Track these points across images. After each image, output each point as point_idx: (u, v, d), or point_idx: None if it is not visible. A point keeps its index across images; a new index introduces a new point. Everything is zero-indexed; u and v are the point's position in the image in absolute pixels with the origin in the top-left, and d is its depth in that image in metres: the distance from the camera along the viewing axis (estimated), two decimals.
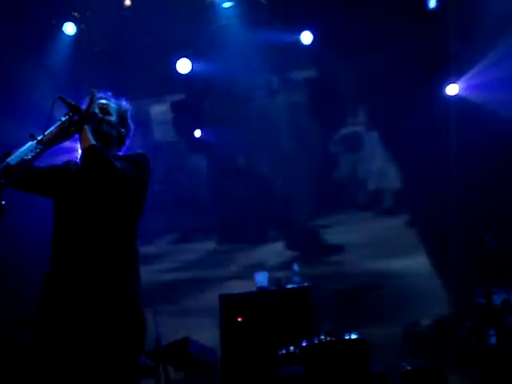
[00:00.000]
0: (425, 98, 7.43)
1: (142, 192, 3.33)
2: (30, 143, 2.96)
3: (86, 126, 3.15)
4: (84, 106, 3.21)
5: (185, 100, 8.15)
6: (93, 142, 3.11)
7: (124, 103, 3.53)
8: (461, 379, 5.66)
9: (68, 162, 3.41)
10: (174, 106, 8.20)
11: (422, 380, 5.43)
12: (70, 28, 7.15)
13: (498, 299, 5.49)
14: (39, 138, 2.96)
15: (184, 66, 7.49)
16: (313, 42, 7.33)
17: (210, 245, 7.90)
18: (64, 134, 3.16)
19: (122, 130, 3.46)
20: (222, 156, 8.05)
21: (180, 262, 7.89)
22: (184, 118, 8.13)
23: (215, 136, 8.21)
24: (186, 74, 7.57)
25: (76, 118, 3.16)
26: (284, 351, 5.41)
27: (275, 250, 7.38)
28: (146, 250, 7.04)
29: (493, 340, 5.24)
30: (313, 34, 7.31)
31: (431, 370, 5.54)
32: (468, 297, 6.12)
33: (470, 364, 5.62)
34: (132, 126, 3.54)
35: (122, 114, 3.48)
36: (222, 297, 6.60)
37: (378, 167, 7.79)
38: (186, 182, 8.21)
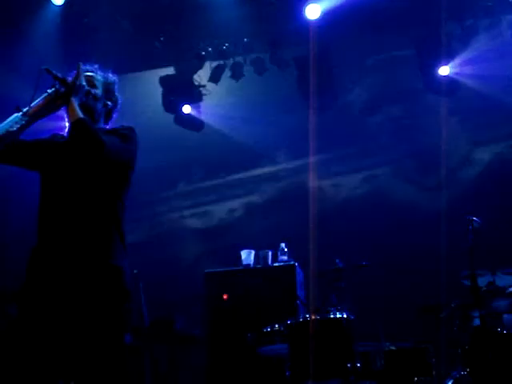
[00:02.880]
0: (417, 79, 7.42)
1: (129, 166, 3.31)
2: (16, 115, 2.94)
3: (72, 99, 3.12)
4: (70, 79, 3.17)
5: (174, 74, 8.06)
6: (80, 115, 3.08)
7: (111, 76, 3.49)
8: (445, 360, 5.70)
9: (54, 135, 3.38)
10: (163, 80, 8.11)
11: (406, 360, 5.45)
12: None
13: (482, 282, 5.52)
14: (25, 110, 2.93)
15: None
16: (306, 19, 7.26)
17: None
18: (50, 106, 3.13)
19: (109, 103, 3.42)
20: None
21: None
22: (173, 92, 8.04)
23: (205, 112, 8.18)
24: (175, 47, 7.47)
25: (62, 90, 3.12)
26: (269, 329, 5.41)
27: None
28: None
29: (476, 322, 5.27)
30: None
31: (415, 350, 5.57)
32: (454, 279, 6.16)
33: (453, 345, 5.66)
34: (119, 99, 3.50)
35: (108, 87, 3.43)
36: (208, 274, 6.60)
37: None
38: None
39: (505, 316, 5.47)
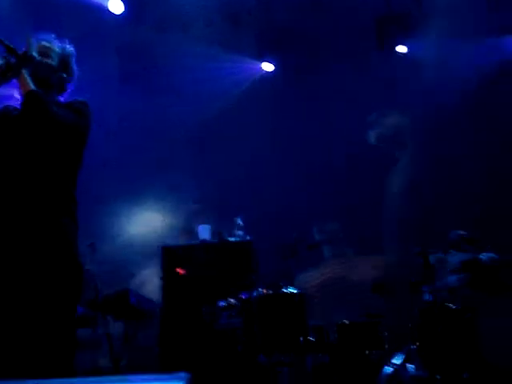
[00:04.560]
0: (376, 59, 7.45)
1: (82, 140, 3.27)
2: None
3: (23, 71, 3.07)
4: (23, 49, 3.12)
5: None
6: (32, 86, 3.04)
7: (68, 47, 3.43)
8: (396, 334, 5.80)
9: (6, 107, 3.33)
10: (119, 51, 7.94)
11: (358, 334, 5.53)
12: None
13: (434, 259, 5.62)
14: None
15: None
16: None
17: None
18: (1, 78, 3.08)
19: (64, 75, 3.37)
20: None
21: None
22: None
23: None
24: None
25: (13, 61, 3.07)
26: (224, 303, 5.44)
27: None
28: None
29: (426, 296, 5.37)
30: None
31: (367, 324, 5.66)
32: (405, 256, 6.26)
33: (405, 320, 5.76)
34: (76, 71, 3.44)
35: (64, 58, 3.38)
36: (165, 249, 6.60)
37: None
38: None
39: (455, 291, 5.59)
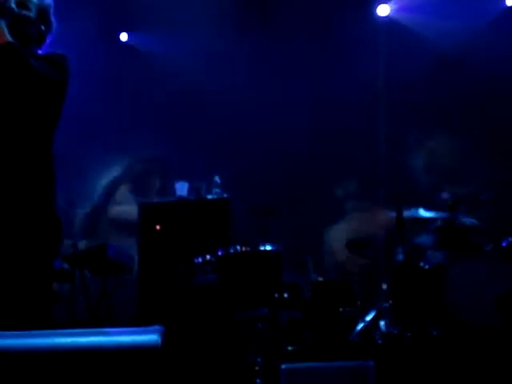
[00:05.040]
0: (354, 20, 7.42)
1: (60, 94, 3.25)
2: None
3: (0, 22, 3.03)
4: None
5: None
6: (8, 38, 3.00)
7: None
8: (369, 294, 5.92)
9: None
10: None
11: (332, 291, 5.63)
12: None
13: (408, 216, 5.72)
14: None
15: None
16: None
17: None
18: None
19: (42, 27, 3.33)
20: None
21: None
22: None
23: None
24: None
25: None
26: (200, 260, 5.50)
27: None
28: None
29: (400, 257, 5.47)
30: None
31: (341, 282, 5.76)
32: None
33: (378, 279, 5.88)
34: (54, 23, 3.40)
35: (42, 10, 3.33)
36: (142, 205, 6.62)
37: None
38: None
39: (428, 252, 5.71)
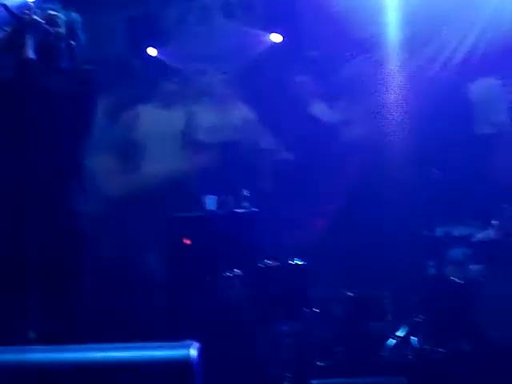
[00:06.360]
0: None
1: (86, 108, 3.24)
2: None
3: (27, 36, 3.05)
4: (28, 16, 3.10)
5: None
6: (30, 54, 3.01)
7: (74, 14, 3.41)
8: (400, 308, 5.85)
9: None
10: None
11: (362, 306, 5.58)
12: None
13: (440, 232, 5.65)
14: None
15: None
16: None
17: None
18: (7, 44, 3.07)
19: (72, 42, 3.36)
20: None
21: None
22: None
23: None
24: None
25: (18, 27, 3.06)
26: (229, 274, 5.49)
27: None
28: None
29: (432, 271, 5.40)
30: None
31: (372, 297, 5.71)
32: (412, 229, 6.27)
33: (409, 293, 5.81)
34: (83, 38, 3.43)
35: (71, 26, 3.36)
36: (170, 219, 6.63)
37: None
38: None
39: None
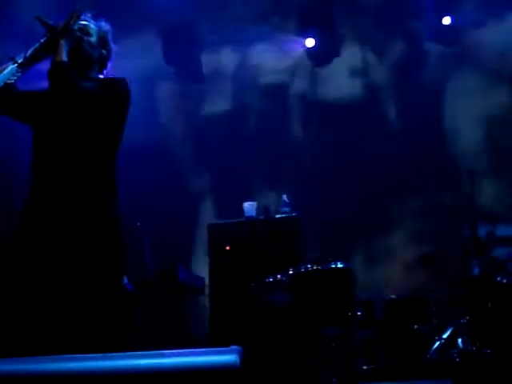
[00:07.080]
0: None
1: (117, 116, 3.25)
2: (11, 67, 2.93)
3: (61, 41, 3.08)
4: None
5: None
6: (62, 58, 3.04)
7: (104, 24, 3.44)
8: (444, 310, 5.78)
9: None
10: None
11: (406, 309, 5.53)
12: None
13: (482, 232, 5.57)
14: (20, 61, 2.92)
15: None
16: None
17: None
18: (43, 54, 3.11)
19: (104, 51, 3.39)
20: None
21: None
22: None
23: None
24: None
25: (53, 35, 3.10)
26: (271, 279, 5.47)
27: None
28: None
29: (476, 271, 5.32)
30: None
31: (415, 299, 5.65)
32: (454, 229, 6.21)
33: (453, 294, 5.73)
34: (113, 48, 3.46)
35: (102, 35, 3.39)
36: (211, 226, 6.65)
37: None
38: None
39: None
